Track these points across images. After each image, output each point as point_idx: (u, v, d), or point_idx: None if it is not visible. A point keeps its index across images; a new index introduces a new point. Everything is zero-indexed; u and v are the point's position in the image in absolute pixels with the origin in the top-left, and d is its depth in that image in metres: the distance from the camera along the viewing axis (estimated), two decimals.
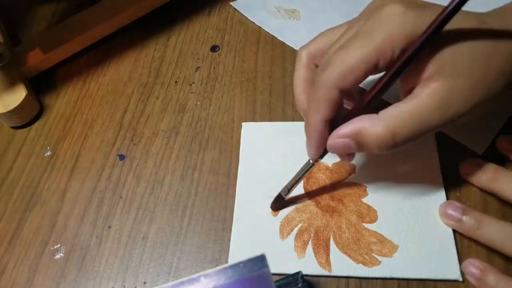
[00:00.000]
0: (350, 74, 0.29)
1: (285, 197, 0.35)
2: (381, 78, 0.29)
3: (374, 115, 0.29)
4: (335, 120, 0.31)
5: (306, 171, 0.33)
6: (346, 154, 0.32)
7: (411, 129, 0.28)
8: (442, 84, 0.27)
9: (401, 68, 0.28)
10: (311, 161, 0.33)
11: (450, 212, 0.32)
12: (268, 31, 0.46)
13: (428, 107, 0.28)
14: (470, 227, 0.31)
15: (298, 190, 0.36)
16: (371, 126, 0.29)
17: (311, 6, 0.48)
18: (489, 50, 0.28)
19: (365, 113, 0.30)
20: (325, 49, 0.32)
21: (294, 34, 0.46)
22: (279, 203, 0.35)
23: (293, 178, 0.34)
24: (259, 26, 0.47)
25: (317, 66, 0.33)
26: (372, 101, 0.29)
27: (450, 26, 0.27)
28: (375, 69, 0.29)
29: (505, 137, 0.35)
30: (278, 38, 0.46)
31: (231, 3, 0.49)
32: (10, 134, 0.44)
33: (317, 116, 0.30)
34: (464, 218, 0.31)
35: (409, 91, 0.29)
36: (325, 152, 0.32)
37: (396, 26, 0.28)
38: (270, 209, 0.35)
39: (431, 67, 0.28)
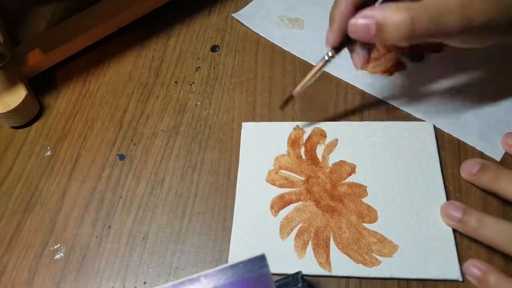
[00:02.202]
0: None
1: (295, 96, 0.36)
2: None
3: (398, 3, 0.30)
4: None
5: (322, 66, 0.34)
6: (360, 48, 0.33)
7: (430, 19, 0.29)
8: None
9: None
10: (328, 55, 0.34)
11: (451, 212, 0.32)
12: (272, 41, 0.46)
13: (446, 6, 0.29)
14: (471, 227, 0.31)
15: (298, 188, 0.36)
16: (394, 10, 0.30)
17: (314, 15, 0.47)
18: None
19: None
20: None
21: (299, 43, 0.45)
22: (287, 101, 0.38)
23: (308, 74, 0.35)
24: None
25: None
26: None
27: None
28: None
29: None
30: (283, 48, 0.45)
31: (233, 14, 0.49)
32: (10, 134, 0.44)
33: None
34: (465, 218, 0.31)
35: None
36: (343, 43, 0.32)
37: None
38: (270, 209, 0.35)
39: None
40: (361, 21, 0.31)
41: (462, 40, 0.31)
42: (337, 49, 0.34)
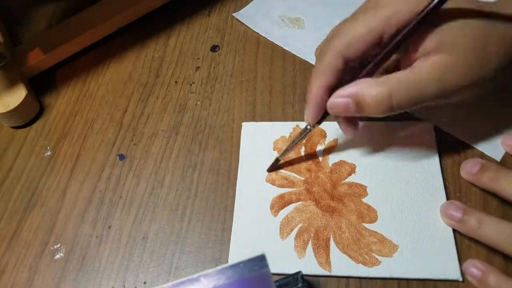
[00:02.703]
0: (355, 43, 0.31)
1: (280, 159, 0.37)
2: (383, 49, 0.30)
3: (374, 79, 0.30)
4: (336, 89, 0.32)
5: (303, 137, 0.35)
6: (346, 123, 0.34)
7: (408, 92, 0.30)
8: (442, 58, 0.29)
9: (402, 40, 0.30)
10: (308, 127, 0.34)
11: (451, 212, 0.32)
12: (272, 41, 0.46)
13: (426, 76, 0.29)
14: (471, 227, 0.31)
15: (298, 188, 0.36)
16: (370, 86, 0.30)
17: (315, 14, 0.47)
18: (487, 31, 0.29)
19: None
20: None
21: (299, 43, 0.45)
22: (274, 166, 0.37)
23: (291, 142, 0.36)
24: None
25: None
26: (372, 71, 0.31)
27: (451, 5, 0.28)
28: (379, 42, 0.30)
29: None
30: (283, 47, 0.45)
31: (233, 14, 0.49)
32: (10, 134, 0.44)
33: (319, 82, 0.32)
34: (465, 218, 0.31)
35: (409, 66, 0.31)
36: (323, 117, 0.33)
37: (402, 2, 0.30)
38: (270, 209, 0.35)
39: (432, 43, 0.29)
40: (339, 100, 0.31)
41: (444, 100, 0.31)
42: (317, 122, 0.34)
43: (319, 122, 0.34)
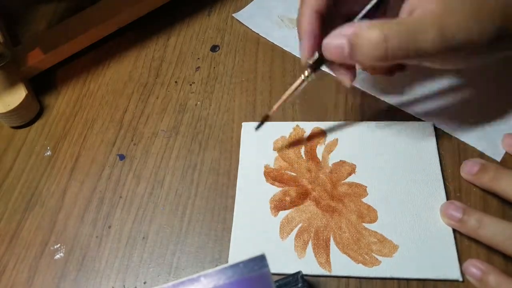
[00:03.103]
0: None
1: (271, 115, 0.36)
2: None
3: (370, 21, 0.29)
4: (326, 23, 0.31)
5: (299, 86, 0.34)
6: (344, 68, 0.32)
7: (404, 38, 0.28)
8: (439, 5, 0.28)
9: None
10: (305, 74, 0.33)
11: (451, 212, 0.32)
12: (272, 41, 0.46)
13: (423, 21, 0.28)
14: (471, 227, 0.31)
15: (298, 188, 0.36)
16: (366, 28, 0.29)
17: None
18: None
19: None
20: None
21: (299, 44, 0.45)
22: (262, 123, 0.37)
23: (285, 94, 0.35)
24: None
25: None
26: (372, 13, 0.30)
27: None
28: None
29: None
30: (283, 48, 0.45)
31: (233, 14, 0.49)
32: (10, 134, 0.44)
33: (309, 8, 0.30)
34: (465, 218, 0.31)
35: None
36: (319, 62, 0.31)
37: None
38: (270, 209, 0.35)
39: None
40: (335, 41, 0.30)
41: (441, 61, 0.30)
42: (313, 68, 0.32)
43: (316, 68, 0.32)
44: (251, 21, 0.48)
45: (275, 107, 0.36)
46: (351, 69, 0.33)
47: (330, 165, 0.37)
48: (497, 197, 0.33)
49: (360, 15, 0.31)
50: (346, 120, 0.39)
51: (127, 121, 0.43)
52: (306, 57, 0.32)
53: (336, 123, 0.39)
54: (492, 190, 0.33)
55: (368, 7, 0.30)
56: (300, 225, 0.34)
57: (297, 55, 0.44)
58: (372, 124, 0.39)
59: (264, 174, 0.37)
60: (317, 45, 0.31)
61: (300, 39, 0.32)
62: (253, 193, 0.36)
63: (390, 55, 0.28)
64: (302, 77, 0.33)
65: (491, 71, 0.40)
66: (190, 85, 0.45)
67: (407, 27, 0.28)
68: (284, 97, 0.35)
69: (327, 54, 0.31)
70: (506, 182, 0.32)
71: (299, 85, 0.34)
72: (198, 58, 0.46)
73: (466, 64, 0.31)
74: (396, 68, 0.37)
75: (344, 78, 0.33)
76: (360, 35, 0.29)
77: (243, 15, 0.48)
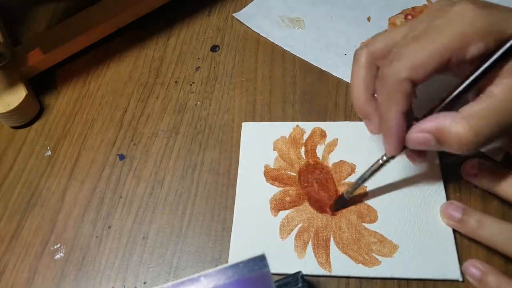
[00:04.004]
0: (421, 67, 0.28)
1: (347, 198, 0.34)
2: (466, 78, 0.29)
3: (454, 113, 0.28)
4: (408, 116, 0.30)
5: (377, 170, 0.33)
6: (416, 155, 0.32)
7: (493, 126, 0.27)
8: None
9: (487, 69, 0.28)
10: (384, 158, 0.32)
11: (451, 212, 0.32)
12: (272, 41, 0.46)
13: (507, 102, 0.27)
14: (471, 227, 0.31)
15: (298, 188, 0.36)
16: (452, 123, 0.28)
17: (315, 15, 0.47)
18: None
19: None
20: (387, 49, 0.32)
21: (300, 43, 0.45)
22: (340, 203, 0.35)
23: (360, 177, 0.33)
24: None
25: (378, 68, 0.33)
26: (453, 102, 0.29)
27: None
28: (445, 66, 0.29)
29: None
30: (284, 48, 0.45)
31: (233, 14, 0.49)
32: (10, 134, 0.44)
33: (394, 109, 0.30)
34: (465, 218, 0.31)
35: (478, 93, 0.29)
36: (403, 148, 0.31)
37: (468, 24, 0.28)
38: (270, 209, 0.35)
39: (504, 67, 0.28)
40: (420, 135, 0.29)
41: None
42: (392, 157, 0.32)
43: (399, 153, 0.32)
44: (251, 21, 0.48)
45: (350, 189, 0.34)
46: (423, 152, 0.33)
47: (330, 165, 0.37)
48: (497, 197, 0.33)
49: (444, 103, 0.30)
50: (346, 120, 0.39)
51: (127, 121, 0.43)
52: (396, 153, 0.32)
53: (336, 123, 0.39)
54: (492, 191, 0.33)
55: (451, 97, 0.29)
56: (300, 225, 0.34)
57: (297, 55, 0.44)
58: None
59: (264, 174, 0.37)
60: (404, 139, 0.31)
61: (386, 136, 0.31)
62: (253, 193, 0.36)
63: (480, 143, 0.28)
64: (381, 161, 0.32)
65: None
66: (190, 85, 0.45)
67: (493, 113, 0.27)
68: (358, 180, 0.33)
69: (413, 146, 0.31)
70: (506, 183, 0.32)
71: (376, 170, 0.33)
72: (198, 58, 0.46)
73: None
74: None
75: (416, 159, 0.33)
76: (446, 132, 0.28)
77: (243, 15, 0.48)
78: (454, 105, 0.29)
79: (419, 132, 0.30)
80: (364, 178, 0.33)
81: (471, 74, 0.29)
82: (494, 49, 0.28)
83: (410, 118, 0.31)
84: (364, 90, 0.33)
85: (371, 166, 0.33)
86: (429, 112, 0.30)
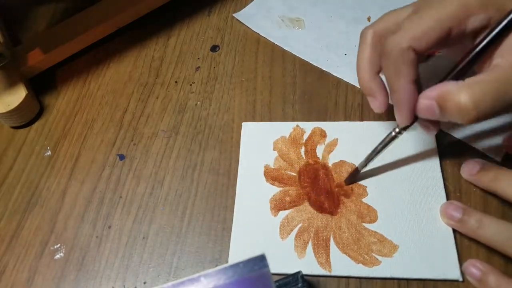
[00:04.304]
0: (423, 37, 0.29)
1: (360, 170, 0.35)
2: (472, 48, 0.29)
3: (460, 81, 0.28)
4: (418, 86, 0.30)
5: (389, 142, 0.33)
6: (429, 123, 0.32)
7: (494, 97, 0.27)
8: None
9: (493, 39, 0.28)
10: (396, 130, 0.32)
11: (451, 212, 0.32)
12: (273, 41, 0.46)
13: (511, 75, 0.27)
14: (471, 227, 0.31)
15: (298, 188, 0.36)
16: (455, 90, 0.28)
17: (315, 15, 0.47)
18: None
19: None
20: (391, 27, 0.32)
21: (300, 43, 0.45)
22: (353, 177, 0.35)
23: (373, 150, 0.34)
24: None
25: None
26: (460, 74, 0.30)
27: None
28: (447, 37, 0.29)
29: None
30: (284, 48, 0.45)
31: (233, 14, 0.49)
32: (10, 134, 0.44)
33: (403, 79, 0.30)
34: (465, 218, 0.31)
35: (483, 66, 0.29)
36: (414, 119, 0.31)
37: None
38: (270, 209, 0.35)
39: (504, 41, 0.28)
40: (425, 102, 0.30)
41: None
42: (405, 127, 0.32)
43: (411, 124, 0.32)
44: (251, 21, 0.48)
45: (363, 162, 0.35)
46: (436, 122, 0.33)
47: (330, 165, 0.37)
48: (497, 197, 0.33)
49: (453, 73, 0.30)
50: (346, 120, 0.39)
51: (127, 121, 0.43)
52: (408, 122, 0.32)
53: (336, 123, 0.39)
54: (492, 191, 0.33)
55: (460, 67, 0.30)
56: (300, 225, 0.34)
57: (297, 55, 0.44)
58: (372, 124, 0.39)
59: (264, 174, 0.37)
60: (415, 109, 0.31)
61: (398, 105, 0.31)
62: (253, 193, 0.36)
63: (480, 116, 0.27)
64: (393, 133, 0.33)
65: None
66: (190, 85, 0.45)
67: (496, 84, 0.27)
68: (371, 152, 0.34)
69: (418, 113, 0.31)
70: (506, 183, 0.32)
71: (388, 142, 0.33)
72: (198, 58, 0.46)
73: None
74: None
75: (429, 127, 0.33)
76: (448, 99, 0.28)
77: (243, 15, 0.48)
78: (460, 77, 0.29)
79: (426, 98, 0.30)
80: (377, 151, 0.34)
81: (477, 45, 0.29)
82: (494, 23, 0.28)
83: (419, 90, 0.31)
84: (370, 68, 0.33)
85: (384, 138, 0.33)
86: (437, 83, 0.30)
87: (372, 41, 0.33)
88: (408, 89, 0.30)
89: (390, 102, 0.33)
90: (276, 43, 0.46)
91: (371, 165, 0.36)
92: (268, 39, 0.46)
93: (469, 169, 0.34)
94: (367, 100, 0.40)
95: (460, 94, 0.28)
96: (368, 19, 0.46)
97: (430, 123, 0.32)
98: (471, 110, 0.27)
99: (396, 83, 0.30)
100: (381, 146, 0.34)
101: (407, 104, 0.31)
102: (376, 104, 0.34)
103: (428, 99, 0.29)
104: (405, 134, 0.37)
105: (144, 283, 0.34)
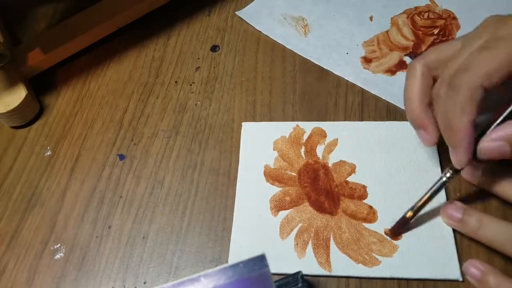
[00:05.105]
0: (496, 73, 0.29)
1: (410, 220, 0.33)
2: None
3: None
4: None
5: (441, 188, 0.32)
6: (475, 167, 0.32)
7: None
8: None
9: None
10: (447, 175, 0.32)
11: (452, 212, 0.32)
12: (275, 39, 0.46)
13: None
14: (471, 227, 0.31)
15: (298, 188, 0.36)
16: None
17: (318, 13, 0.47)
18: None
19: None
20: (443, 60, 0.32)
21: (302, 42, 0.45)
22: (402, 225, 0.33)
23: (424, 197, 0.32)
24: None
25: (433, 78, 0.33)
26: None
27: None
28: None
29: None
30: (286, 46, 0.45)
31: (236, 12, 0.49)
32: (10, 134, 0.44)
33: (466, 118, 0.29)
34: (465, 218, 0.31)
35: None
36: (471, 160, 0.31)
37: None
38: (270, 209, 0.35)
39: None
40: (494, 144, 0.29)
41: None
42: (458, 170, 0.32)
43: (460, 169, 0.31)
44: (253, 19, 0.48)
45: (411, 212, 0.33)
46: (482, 168, 0.33)
47: (330, 165, 0.37)
48: (497, 197, 0.33)
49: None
50: (346, 120, 0.39)
51: (127, 121, 0.43)
52: (464, 164, 0.31)
53: (336, 123, 0.39)
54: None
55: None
56: (300, 225, 0.34)
57: (302, 55, 0.44)
58: (372, 124, 0.39)
59: (264, 174, 0.37)
60: (473, 149, 0.30)
61: (456, 146, 0.31)
62: (253, 193, 0.36)
63: None
64: (444, 178, 0.32)
65: None
66: (190, 85, 0.45)
67: None
68: (421, 201, 0.32)
69: (485, 156, 0.30)
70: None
71: (440, 188, 0.32)
72: (198, 58, 0.46)
73: None
74: (398, 68, 0.37)
75: (474, 175, 0.33)
76: None
77: (246, 13, 0.49)
78: None
79: (493, 141, 0.29)
80: (427, 198, 0.32)
81: None
82: None
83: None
84: (421, 101, 0.33)
85: (434, 184, 0.32)
86: (492, 122, 0.30)
87: (422, 73, 0.33)
88: (470, 129, 0.30)
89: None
90: (278, 41, 0.46)
91: (371, 165, 0.36)
92: (270, 37, 0.46)
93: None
94: (367, 100, 0.41)
95: None
96: (371, 18, 0.46)
97: (475, 168, 0.32)
98: None
99: (458, 122, 0.30)
100: (431, 192, 0.32)
101: (468, 144, 0.30)
102: (427, 137, 0.33)
103: (495, 141, 0.29)
104: (405, 135, 0.37)
105: (144, 283, 0.34)
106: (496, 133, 0.29)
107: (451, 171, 0.32)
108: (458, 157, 0.31)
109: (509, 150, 0.29)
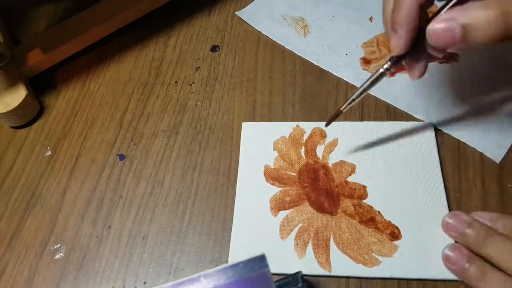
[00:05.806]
0: None
1: (342, 109, 0.33)
2: None
3: (483, 1, 0.26)
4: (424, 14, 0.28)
5: (377, 80, 0.31)
6: (415, 61, 0.30)
7: None
8: None
9: None
10: (385, 66, 0.30)
11: (454, 259, 0.31)
12: (274, 39, 0.46)
13: None
14: (474, 275, 0.30)
15: (298, 188, 0.36)
16: (480, 7, 0.25)
17: (318, 14, 0.47)
18: None
19: None
20: None
21: (302, 42, 0.45)
22: (334, 118, 0.35)
23: (359, 88, 0.32)
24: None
25: None
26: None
27: None
28: None
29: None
30: (285, 46, 0.45)
31: (236, 12, 0.49)
32: (10, 134, 0.44)
33: None
34: (467, 265, 0.30)
35: None
36: (410, 51, 0.29)
37: None
38: (270, 209, 0.35)
39: None
40: (443, 25, 0.27)
41: None
42: (396, 60, 0.30)
43: (399, 60, 0.29)
44: (253, 20, 0.48)
45: (346, 103, 0.33)
46: (424, 64, 0.31)
47: (330, 165, 0.37)
48: (497, 197, 0.33)
49: None
50: (346, 120, 0.39)
51: (127, 121, 0.43)
52: (402, 50, 0.29)
53: (336, 123, 0.39)
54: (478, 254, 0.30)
55: None
56: (300, 225, 0.34)
57: (302, 56, 0.44)
58: (372, 124, 0.39)
59: (264, 174, 0.37)
60: (414, 36, 0.28)
61: (393, 28, 0.29)
62: (253, 193, 0.36)
63: (510, 30, 0.25)
64: (382, 70, 0.31)
65: (492, 71, 0.40)
66: (190, 85, 0.45)
67: None
68: (357, 93, 0.32)
69: (434, 40, 0.27)
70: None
71: (376, 79, 0.31)
72: (198, 58, 0.46)
73: None
74: (398, 69, 0.36)
75: (416, 70, 0.31)
76: (474, 16, 0.26)
77: (246, 14, 0.49)
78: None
79: (443, 22, 0.27)
80: (363, 90, 0.32)
81: None
82: None
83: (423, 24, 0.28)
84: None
85: (371, 76, 0.31)
86: (444, 5, 0.28)
87: None
88: (414, 7, 0.27)
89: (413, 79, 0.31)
90: (277, 42, 0.46)
91: (371, 165, 0.36)
92: (270, 37, 0.46)
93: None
94: (367, 100, 0.41)
95: (486, 8, 0.25)
96: (370, 19, 0.46)
97: (416, 62, 0.30)
98: (501, 23, 0.25)
99: (402, 1, 0.28)
100: (367, 84, 0.31)
101: (409, 25, 0.28)
102: (398, 42, 0.30)
103: (447, 22, 0.26)
104: (405, 135, 0.37)
105: (144, 283, 0.34)
106: (447, 14, 0.27)
107: (389, 62, 0.30)
108: (396, 40, 0.29)
109: (460, 33, 0.26)
